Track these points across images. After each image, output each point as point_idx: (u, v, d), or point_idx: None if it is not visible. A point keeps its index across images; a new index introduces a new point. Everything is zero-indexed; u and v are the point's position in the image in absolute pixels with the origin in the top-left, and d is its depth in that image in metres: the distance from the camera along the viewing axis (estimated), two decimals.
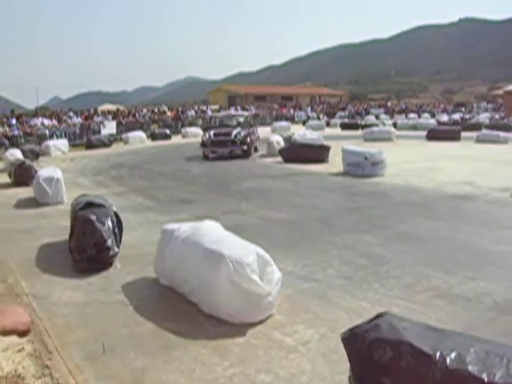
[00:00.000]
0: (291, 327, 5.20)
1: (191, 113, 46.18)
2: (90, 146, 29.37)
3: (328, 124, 45.06)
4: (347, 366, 3.50)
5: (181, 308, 5.71)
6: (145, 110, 45.23)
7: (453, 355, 2.92)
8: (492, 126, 34.17)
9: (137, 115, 40.63)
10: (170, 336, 5.07)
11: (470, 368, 2.81)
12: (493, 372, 2.74)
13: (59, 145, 27.33)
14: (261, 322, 5.27)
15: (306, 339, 4.93)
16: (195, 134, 35.30)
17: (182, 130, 36.85)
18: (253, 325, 5.21)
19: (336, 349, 4.43)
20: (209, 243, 5.59)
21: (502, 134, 27.60)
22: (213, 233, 6.01)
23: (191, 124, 40.92)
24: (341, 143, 20.61)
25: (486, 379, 2.71)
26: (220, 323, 5.25)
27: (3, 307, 2.51)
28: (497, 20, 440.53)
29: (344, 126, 41.20)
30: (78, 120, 34.50)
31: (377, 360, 3.23)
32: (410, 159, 19.50)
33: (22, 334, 1.79)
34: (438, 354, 2.94)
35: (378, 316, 3.55)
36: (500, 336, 4.43)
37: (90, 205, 7.86)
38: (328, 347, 4.69)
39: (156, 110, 45.77)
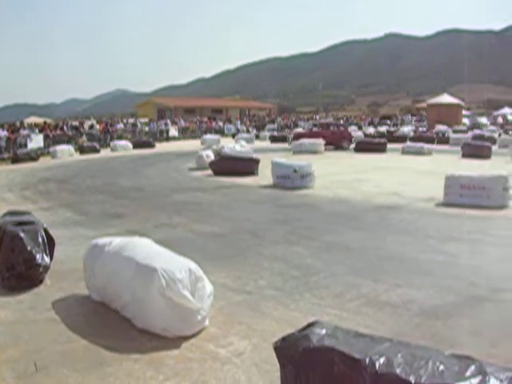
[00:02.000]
0: (225, 339, 5.27)
1: (120, 126, 45.67)
2: (16, 160, 28.56)
3: (257, 137, 45.32)
4: (279, 374, 3.59)
5: (114, 323, 5.68)
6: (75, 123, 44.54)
7: (381, 360, 3.04)
8: (416, 138, 35.17)
9: (64, 128, 39.90)
10: (104, 352, 5.04)
11: (398, 371, 2.94)
12: (419, 374, 2.89)
13: None
14: (195, 335, 5.31)
15: (239, 350, 5.00)
16: (124, 148, 34.95)
17: (111, 144, 36.38)
18: (187, 338, 5.25)
19: (268, 358, 4.52)
20: (141, 258, 5.60)
21: (426, 145, 28.54)
22: (145, 248, 6.02)
23: (120, 137, 40.45)
24: (270, 156, 20.87)
25: (413, 381, 2.85)
26: (153, 337, 5.25)
27: None
28: (420, 36, 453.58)
29: (273, 139, 41.57)
30: (3, 133, 33.57)
31: (309, 368, 3.34)
32: (339, 171, 19.90)
33: None
34: (367, 360, 3.06)
35: (309, 325, 3.66)
36: (426, 340, 4.65)
37: (18, 222, 7.72)
38: (261, 357, 4.78)
39: (84, 123, 45.07)
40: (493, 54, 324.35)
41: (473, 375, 2.89)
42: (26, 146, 32.79)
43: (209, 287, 5.55)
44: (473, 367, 2.98)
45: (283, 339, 3.60)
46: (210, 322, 5.56)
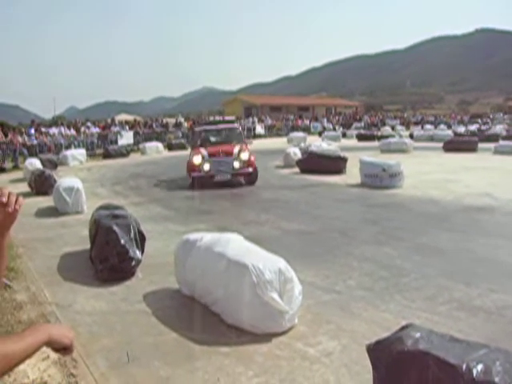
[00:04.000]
0: (314, 338, 5.22)
1: None
2: (107, 155, 29.52)
3: (344, 135, 44.94)
4: (370, 376, 3.53)
5: (203, 318, 5.74)
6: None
7: (479, 367, 2.93)
8: (509, 137, 33.96)
9: (153, 125, 40.80)
10: (193, 345, 5.11)
11: (497, 380, 2.82)
12: None
13: (77, 154, 27.46)
14: (283, 333, 5.30)
15: (328, 350, 4.94)
16: None
17: None
18: (276, 335, 5.24)
19: (359, 360, 4.46)
20: (232, 254, 5.63)
21: None
22: (236, 244, 6.04)
23: None
24: (357, 154, 20.65)
25: None
26: (242, 333, 5.28)
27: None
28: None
29: (360, 137, 41.10)
30: (95, 130, 34.70)
31: (402, 372, 3.26)
32: (428, 171, 19.42)
33: (64, 350, 1.80)
34: (464, 366, 2.94)
35: (403, 328, 3.57)
36: None
37: (111, 215, 7.94)
38: (351, 358, 4.71)
39: (174, 120, 45.91)
40: None
41: None
42: (116, 142, 33.83)
43: (298, 287, 5.51)
44: None
45: (377, 342, 3.53)
46: (298, 321, 5.53)
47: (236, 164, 16.42)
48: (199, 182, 16.44)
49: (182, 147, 34.20)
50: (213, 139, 18.57)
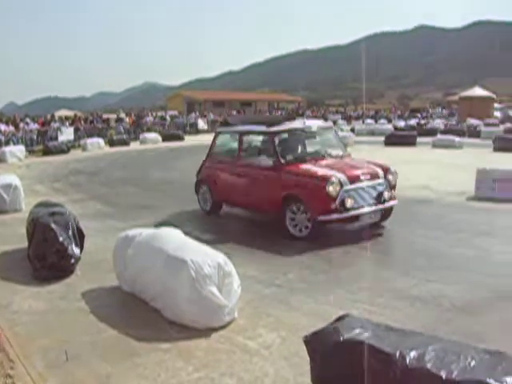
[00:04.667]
0: (254, 331, 5.28)
1: (149, 119, 45.89)
2: (47, 152, 28.85)
3: None
4: (308, 368, 3.60)
5: (143, 314, 5.73)
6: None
7: (412, 354, 3.02)
8: (447, 131, 34.75)
9: (95, 121, 40.22)
10: (134, 342, 5.09)
11: (429, 366, 2.92)
12: (450, 369, 2.87)
13: (15, 151, 26.78)
14: (223, 327, 5.34)
15: (268, 343, 5.01)
16: (154, 141, 35.18)
17: (141, 136, 36.59)
18: (216, 329, 5.28)
19: (297, 351, 4.52)
20: (171, 249, 5.63)
21: (457, 138, 28.11)
22: (175, 239, 6.05)
23: (149, 130, 40.62)
24: None
25: (443, 376, 2.82)
26: (183, 329, 5.29)
27: None
28: (452, 28, 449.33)
29: None
30: (34, 126, 33.97)
31: (338, 362, 3.33)
32: None
33: None
34: (397, 354, 3.04)
35: (339, 318, 3.65)
36: (456, 336, 4.58)
37: (49, 213, 7.81)
38: (290, 350, 4.78)
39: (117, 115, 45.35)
40: None
41: (506, 371, 2.85)
42: (56, 138, 33.10)
43: (236, 281, 5.56)
44: (504, 363, 2.94)
45: (313, 333, 3.60)
46: (238, 315, 5.57)
47: (386, 194, 9.55)
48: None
49: (123, 143, 33.81)
50: (306, 149, 10.81)
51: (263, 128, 10.29)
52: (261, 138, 10.75)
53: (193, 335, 5.17)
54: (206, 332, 5.22)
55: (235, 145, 11.11)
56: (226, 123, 12.04)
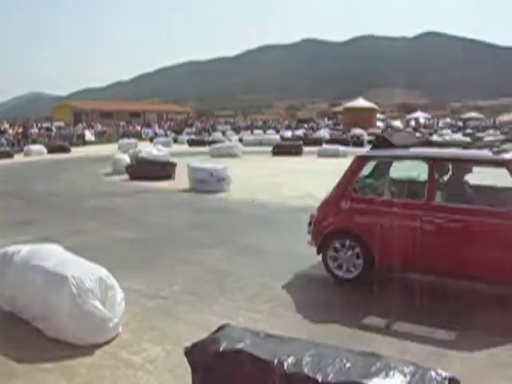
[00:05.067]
0: (138, 345, 5.23)
1: (35, 130, 44.54)
2: None
3: (175, 141, 45.27)
4: None
5: (25, 334, 5.52)
6: None
7: (290, 360, 3.12)
8: (332, 141, 35.85)
9: None
10: (13, 364, 4.90)
11: (306, 370, 3.03)
12: (326, 372, 2.99)
13: None
14: (108, 342, 5.26)
15: (152, 356, 4.98)
16: (39, 152, 34.10)
17: (25, 148, 35.37)
18: (100, 345, 5.18)
19: (182, 363, 4.50)
20: (51, 266, 5.48)
21: (341, 148, 29.11)
22: (55, 255, 5.90)
23: (34, 142, 39.39)
24: (188, 160, 20.82)
25: (320, 379, 2.94)
26: (66, 347, 5.15)
27: None
28: (337, 41, 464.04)
29: (191, 143, 41.60)
30: None
31: (219, 372, 3.37)
32: (256, 174, 20.05)
33: None
34: (276, 361, 3.13)
35: (219, 329, 3.69)
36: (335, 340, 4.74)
37: None
38: (174, 363, 4.78)
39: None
40: (407, 59, 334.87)
41: (378, 371, 2.99)
42: None
43: (120, 294, 5.50)
44: (378, 363, 3.08)
45: (193, 344, 3.62)
46: (123, 329, 5.50)
47: None
48: None
49: (6, 156, 32.50)
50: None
51: (487, 155, 6.82)
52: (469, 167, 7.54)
53: (76, 353, 5.04)
54: (90, 349, 5.11)
55: (411, 177, 8.46)
56: (382, 142, 8.19)
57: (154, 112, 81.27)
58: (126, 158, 22.32)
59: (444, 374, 3.01)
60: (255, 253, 8.82)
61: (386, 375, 2.96)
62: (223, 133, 52.41)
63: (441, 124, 75.29)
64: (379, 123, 64.55)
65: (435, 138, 41.57)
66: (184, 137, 47.83)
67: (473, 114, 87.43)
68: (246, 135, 48.34)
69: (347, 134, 44.57)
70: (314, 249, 7.54)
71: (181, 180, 17.73)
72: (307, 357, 3.15)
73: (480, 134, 46.15)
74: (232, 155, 28.38)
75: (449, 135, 43.90)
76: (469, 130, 55.33)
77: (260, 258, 8.50)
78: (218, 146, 31.15)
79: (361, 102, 61.91)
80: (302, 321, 5.80)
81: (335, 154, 27.95)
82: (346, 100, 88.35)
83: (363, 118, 56.26)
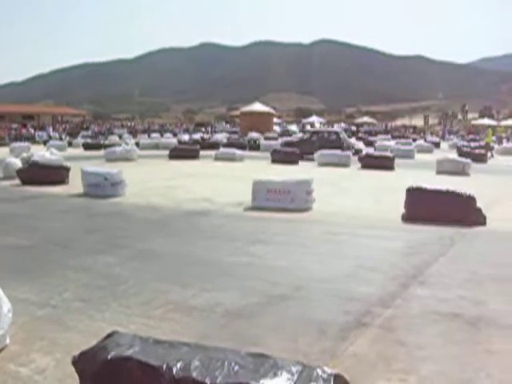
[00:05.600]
0: (27, 356, 5.06)
1: None
2: None
3: (70, 144, 44.37)
4: None
5: None
6: None
7: (179, 365, 3.14)
8: (229, 145, 36.21)
9: None
10: None
11: (195, 375, 3.05)
12: (215, 375, 3.02)
13: None
14: None
15: (42, 367, 4.83)
16: None
17: None
18: None
19: (72, 373, 4.42)
20: None
21: (237, 151, 29.48)
22: None
23: None
24: (82, 164, 20.43)
25: (208, 383, 2.97)
26: None
27: None
28: (235, 46, 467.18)
29: (87, 146, 40.85)
30: None
31: (108, 381, 3.34)
32: (151, 178, 19.98)
33: None
34: (164, 366, 3.13)
35: (108, 336, 3.67)
36: (231, 341, 4.81)
37: None
38: (64, 372, 4.64)
39: None
40: (302, 65, 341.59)
41: (266, 372, 3.06)
42: None
43: (6, 305, 5.33)
44: (266, 364, 3.15)
45: (81, 353, 3.58)
46: (10, 341, 5.32)
47: None
48: None
49: None
50: None
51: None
52: None
53: None
54: None
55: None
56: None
57: (49, 114, 79.04)
58: (17, 162, 21.54)
59: (330, 371, 3.13)
60: (150, 257, 8.77)
61: (275, 375, 3.03)
62: (120, 136, 51.83)
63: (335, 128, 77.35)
64: (276, 127, 65.62)
65: None
66: (79, 140, 46.97)
67: (366, 119, 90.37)
68: (143, 139, 47.99)
69: (244, 138, 45.08)
70: (209, 250, 7.66)
71: (75, 185, 17.33)
72: (196, 361, 3.18)
73: (372, 138, 47.89)
74: (128, 159, 28.07)
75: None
76: (361, 134, 57.27)
77: (155, 262, 8.47)
78: (113, 149, 30.64)
79: (258, 106, 62.72)
80: (194, 324, 5.83)
81: (232, 158, 28.30)
82: (243, 104, 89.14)
83: (260, 122, 57.08)
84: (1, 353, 5.15)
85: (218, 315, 6.07)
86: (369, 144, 42.90)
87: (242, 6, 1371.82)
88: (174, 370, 3.11)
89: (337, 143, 31.37)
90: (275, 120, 69.43)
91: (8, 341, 5.29)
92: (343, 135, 35.15)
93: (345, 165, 25.54)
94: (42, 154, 24.64)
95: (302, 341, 5.32)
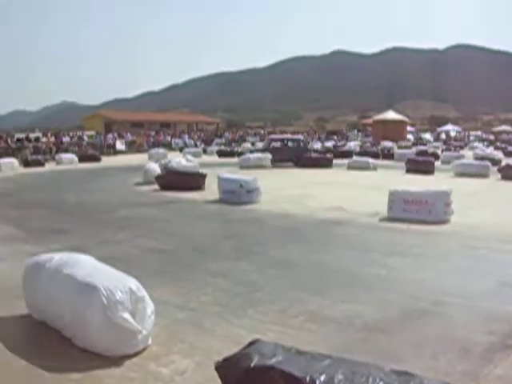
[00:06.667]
0: (167, 357, 5.20)
1: (66, 139, 45.03)
2: None
3: (205, 151, 45.50)
4: None
5: (54, 343, 5.53)
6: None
7: (322, 378, 3.07)
8: (362, 154, 35.68)
9: (9, 141, 39.09)
10: (44, 373, 4.90)
11: None
12: None
13: None
14: (137, 354, 5.23)
15: (181, 369, 4.93)
16: (70, 161, 34.50)
17: (57, 157, 35.81)
18: (129, 357, 5.16)
19: (212, 377, 4.46)
20: (82, 276, 5.49)
21: (371, 160, 28.92)
22: (86, 265, 5.90)
23: (66, 150, 39.86)
24: (217, 170, 20.87)
25: None
26: (94, 357, 5.14)
27: None
28: (367, 53, 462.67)
29: (221, 154, 41.70)
30: None
31: None
32: (285, 186, 20.04)
33: None
34: (308, 378, 3.07)
35: (250, 344, 3.66)
36: (370, 355, 4.67)
37: None
38: (204, 376, 4.72)
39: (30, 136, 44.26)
40: (437, 72, 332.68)
41: None
42: None
43: (150, 307, 5.49)
44: (412, 383, 3.02)
45: (224, 359, 3.59)
46: (152, 341, 5.48)
47: None
48: None
49: (38, 164, 32.95)
50: None
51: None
52: None
53: (105, 364, 5.03)
54: (119, 360, 5.09)
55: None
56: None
57: (184, 122, 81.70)
58: (156, 168, 22.42)
59: None
60: (285, 265, 8.76)
61: None
62: (253, 144, 52.54)
63: (472, 137, 74.67)
64: (409, 136, 64.18)
65: (466, 151, 41.29)
66: (213, 147, 48.10)
67: (504, 128, 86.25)
68: None
69: (377, 147, 44.39)
70: (345, 260, 7.56)
71: (211, 191, 17.78)
72: (339, 374, 3.10)
73: None
74: (261, 166, 28.40)
75: (480, 149, 43.14)
76: (499, 144, 54.62)
77: (290, 270, 8.45)
78: (247, 156, 31.13)
79: (391, 115, 61.72)
80: (331, 335, 5.73)
81: (365, 167, 27.82)
82: (375, 112, 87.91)
83: (393, 130, 56.06)
84: (143, 352, 5.31)
85: (355, 328, 5.94)
86: (508, 154, 40.60)
87: (373, 12, 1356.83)
88: (318, 383, 3.03)
89: (299, 151, 31.51)
90: (408, 128, 67.95)
91: (150, 341, 5.45)
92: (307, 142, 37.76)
93: (483, 175, 24.42)
94: (178, 160, 25.47)
95: (442, 359, 5.09)
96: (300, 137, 42.29)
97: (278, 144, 33.06)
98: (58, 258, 6.19)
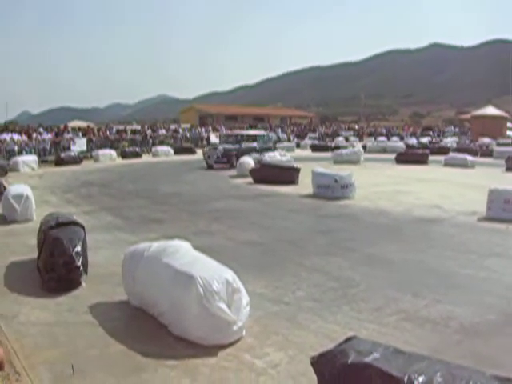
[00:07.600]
0: (261, 350, 5.22)
1: (162, 131, 46.03)
2: (59, 162, 28.97)
3: (298, 145, 45.48)
4: None
5: (151, 330, 5.68)
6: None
7: (420, 378, 2.98)
8: (459, 150, 34.67)
9: (107, 132, 40.35)
10: (140, 358, 5.04)
11: None
12: None
13: (28, 161, 26.96)
14: (231, 344, 5.28)
15: (275, 362, 4.94)
16: (166, 153, 35.35)
17: (153, 149, 36.77)
18: (223, 347, 5.22)
19: (305, 372, 4.45)
20: (180, 265, 5.59)
21: (469, 157, 27.95)
22: (184, 254, 6.00)
23: (162, 143, 40.78)
24: (311, 165, 20.83)
25: None
26: (189, 345, 5.24)
27: None
28: (464, 46, 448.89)
29: (314, 148, 41.63)
30: (48, 136, 34.12)
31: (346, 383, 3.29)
32: (379, 182, 19.73)
33: None
34: (406, 378, 3.00)
35: (347, 340, 3.61)
36: (466, 359, 4.52)
37: (59, 224, 7.80)
38: (297, 370, 4.71)
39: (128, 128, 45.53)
40: None
41: None
42: (69, 149, 33.27)
43: (245, 298, 5.52)
44: None
45: (320, 355, 3.56)
46: (246, 332, 5.52)
47: None
48: None
49: (135, 155, 33.95)
50: None
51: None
52: None
53: (200, 352, 5.11)
54: (213, 349, 5.16)
55: None
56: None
57: (278, 116, 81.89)
58: (250, 162, 22.61)
59: None
60: (380, 262, 8.63)
61: None
62: (346, 138, 52.11)
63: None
64: (509, 132, 61.87)
65: None
66: (307, 142, 48.00)
67: None
68: (370, 141, 47.76)
69: (475, 143, 43.07)
70: (441, 260, 7.36)
71: (304, 185, 17.75)
72: (438, 377, 3.01)
73: None
74: (354, 162, 28.14)
75: None
76: None
77: (386, 268, 8.31)
78: (340, 151, 30.92)
79: (490, 110, 59.57)
80: (427, 336, 5.59)
81: (463, 164, 26.83)
82: (473, 107, 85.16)
83: (492, 126, 54.12)
84: (238, 343, 5.35)
85: (452, 330, 5.75)
86: None
87: (470, 5, 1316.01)
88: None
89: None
90: (509, 124, 65.52)
91: (244, 332, 5.48)
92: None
93: None
94: (272, 154, 25.57)
95: None
96: (263, 132, 36.39)
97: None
98: (156, 246, 6.33)
